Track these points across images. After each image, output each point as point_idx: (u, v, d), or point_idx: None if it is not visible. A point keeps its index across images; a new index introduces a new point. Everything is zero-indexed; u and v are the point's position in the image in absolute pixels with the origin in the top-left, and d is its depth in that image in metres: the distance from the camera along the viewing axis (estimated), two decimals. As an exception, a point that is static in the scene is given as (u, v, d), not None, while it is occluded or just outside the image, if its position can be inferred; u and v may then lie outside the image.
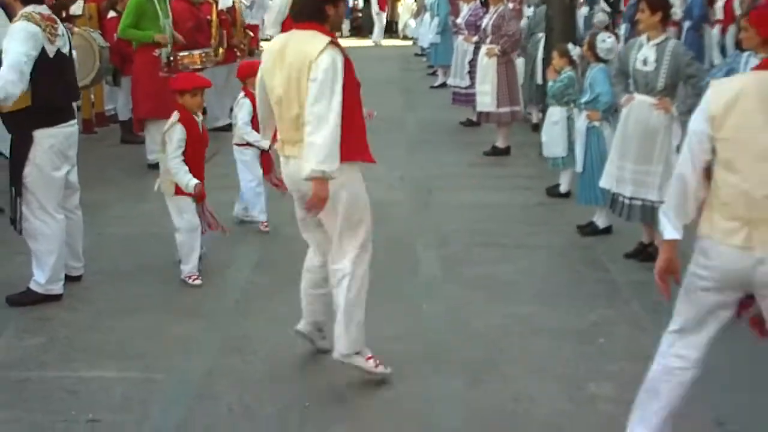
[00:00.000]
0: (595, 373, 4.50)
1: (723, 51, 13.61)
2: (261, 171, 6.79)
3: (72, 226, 5.60)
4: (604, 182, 6.17)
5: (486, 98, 9.70)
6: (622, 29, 14.42)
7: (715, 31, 14.09)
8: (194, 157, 5.76)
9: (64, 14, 8.07)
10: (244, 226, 6.90)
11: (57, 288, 5.43)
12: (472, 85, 10.53)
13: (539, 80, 10.14)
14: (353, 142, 4.14)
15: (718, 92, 3.26)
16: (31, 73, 5.06)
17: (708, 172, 3.34)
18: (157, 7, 8.62)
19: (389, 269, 5.99)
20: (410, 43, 21.48)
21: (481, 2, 11.74)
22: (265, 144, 5.05)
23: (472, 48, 10.97)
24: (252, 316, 5.22)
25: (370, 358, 4.38)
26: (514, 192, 8.10)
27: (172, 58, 8.59)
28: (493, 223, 7.04)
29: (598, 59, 6.77)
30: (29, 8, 5.22)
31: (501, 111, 9.65)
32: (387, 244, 6.54)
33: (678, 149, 5.90)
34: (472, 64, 10.69)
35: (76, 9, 9.82)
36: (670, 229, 3.37)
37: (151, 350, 4.79)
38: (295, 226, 4.59)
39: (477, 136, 10.55)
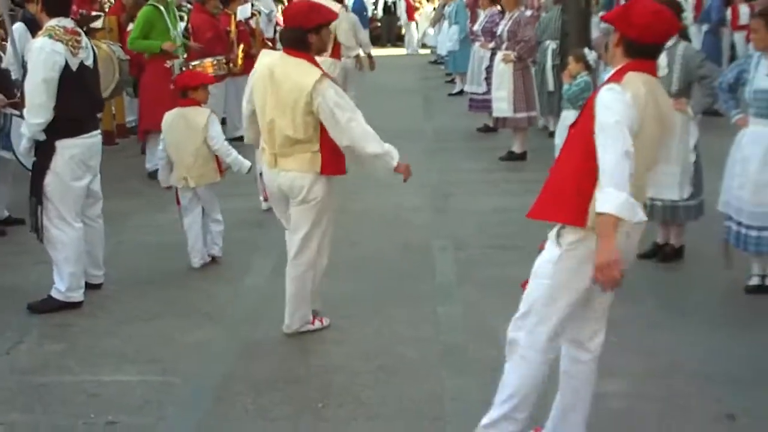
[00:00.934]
0: (608, 370, 4.50)
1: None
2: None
3: (93, 235, 5.68)
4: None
5: (502, 104, 9.72)
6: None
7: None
8: None
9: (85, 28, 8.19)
10: (263, 229, 7.02)
11: (77, 296, 5.50)
12: (488, 91, 10.55)
13: (551, 87, 10.16)
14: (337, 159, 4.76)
15: None
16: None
17: None
18: (167, 19, 8.71)
19: (407, 273, 6.05)
20: (428, 51, 21.53)
21: (498, 10, 11.75)
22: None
23: (488, 54, 10.95)
24: (268, 322, 5.27)
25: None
26: (530, 196, 8.00)
27: (184, 69, 8.67)
28: (509, 227, 7.05)
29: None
30: (53, 21, 5.30)
31: (518, 116, 9.67)
32: (404, 248, 6.61)
33: (695, 149, 5.92)
34: (489, 70, 10.70)
35: (96, 22, 9.95)
36: None
37: (169, 355, 4.86)
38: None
39: (493, 142, 10.58)
